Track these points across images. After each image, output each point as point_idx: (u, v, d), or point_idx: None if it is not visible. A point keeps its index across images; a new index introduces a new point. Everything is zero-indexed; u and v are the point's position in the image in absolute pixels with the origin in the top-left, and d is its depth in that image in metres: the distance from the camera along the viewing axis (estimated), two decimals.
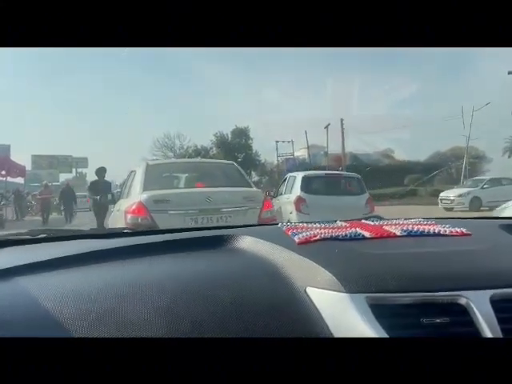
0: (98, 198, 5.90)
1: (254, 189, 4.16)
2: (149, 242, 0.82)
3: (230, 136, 31.47)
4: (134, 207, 3.52)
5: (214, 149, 31.54)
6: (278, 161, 30.80)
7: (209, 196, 3.67)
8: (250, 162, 30.47)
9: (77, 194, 13.54)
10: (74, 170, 35.56)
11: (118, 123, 44.36)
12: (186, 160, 7.03)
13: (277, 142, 29.99)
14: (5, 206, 12.88)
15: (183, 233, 0.91)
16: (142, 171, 3.96)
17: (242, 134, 31.43)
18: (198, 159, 8.29)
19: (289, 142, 30.04)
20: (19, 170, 15.21)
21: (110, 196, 4.90)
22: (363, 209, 5.87)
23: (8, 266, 0.66)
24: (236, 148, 30.87)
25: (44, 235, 0.95)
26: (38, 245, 0.87)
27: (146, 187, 3.74)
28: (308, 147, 28.76)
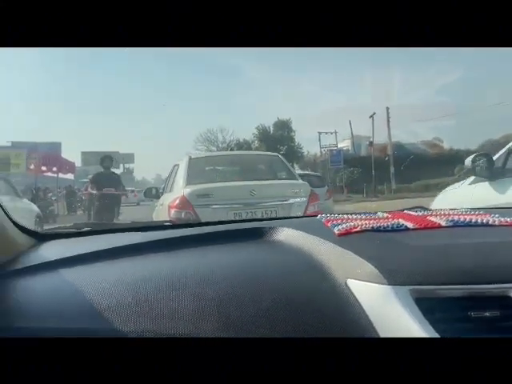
0: (102, 192, 5.21)
1: (300, 181, 3.99)
2: (189, 234, 0.83)
3: (272, 129, 31.40)
4: (177, 202, 3.51)
5: (257, 142, 31.60)
6: (321, 152, 30.25)
7: (253, 189, 3.58)
8: (292, 154, 30.17)
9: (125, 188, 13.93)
10: (121, 165, 37.14)
11: (163, 120, 45.70)
12: (229, 152, 6.87)
13: (319, 133, 29.45)
14: (56, 201, 13.65)
15: (222, 225, 0.91)
16: (185, 165, 3.95)
17: (284, 126, 31.24)
18: (241, 151, 8.14)
19: (332, 132, 29.37)
20: (69, 167, 16.08)
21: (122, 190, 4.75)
22: None
23: (56, 258, 0.69)
24: (278, 140, 30.70)
25: (89, 229, 0.98)
26: (83, 238, 0.89)
27: (189, 181, 3.72)
28: (352, 137, 27.97)
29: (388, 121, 24.36)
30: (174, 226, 1.04)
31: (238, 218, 3.36)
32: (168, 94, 46.54)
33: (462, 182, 2.90)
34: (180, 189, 3.68)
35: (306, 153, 32.16)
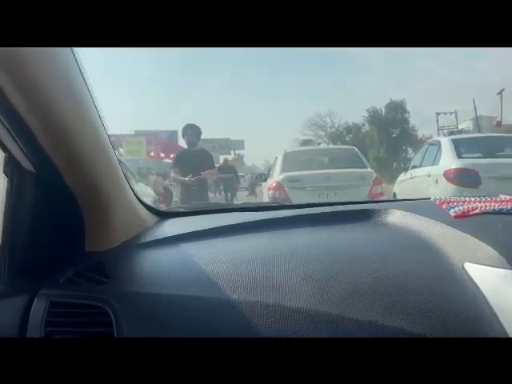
0: (188, 178, 3.82)
1: (368, 169, 5.23)
2: (299, 214, 0.87)
3: (383, 111, 30.83)
4: (274, 184, 5.05)
5: (367, 125, 31.49)
6: (438, 135, 28.90)
7: (330, 176, 4.93)
8: (405, 137, 29.44)
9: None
10: (232, 152, 40.25)
11: (272, 105, 48.16)
12: (316, 147, 8.20)
13: (437, 113, 28.03)
14: (173, 186, 15.83)
15: (328, 207, 0.96)
16: (282, 157, 5.49)
17: (397, 108, 30.44)
18: (325, 146, 9.34)
19: (451, 113, 27.69)
20: None
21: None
22: None
23: (176, 234, 0.78)
24: (390, 123, 30.14)
25: (205, 208, 1.10)
26: (200, 216, 0.99)
27: (283, 169, 5.23)
28: (476, 118, 26.12)
29: None
30: (284, 206, 1.08)
31: (318, 197, 4.75)
32: (278, 80, 48.81)
33: None
34: (277, 175, 5.21)
35: (420, 135, 31.02)
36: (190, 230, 0.78)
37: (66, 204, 0.66)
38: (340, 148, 7.46)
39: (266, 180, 6.22)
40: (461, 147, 4.66)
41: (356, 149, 5.76)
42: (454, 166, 4.30)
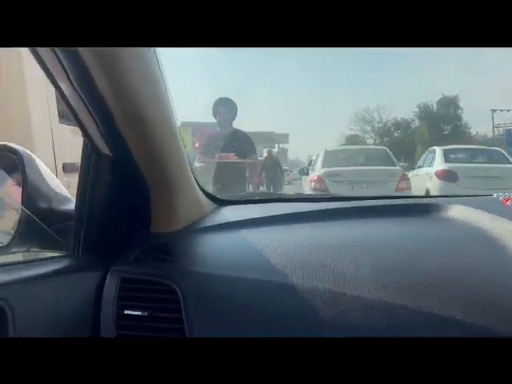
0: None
1: (396, 167, 6.23)
2: (353, 206, 0.89)
3: (435, 106, 30.45)
4: (315, 178, 6.14)
5: (417, 121, 31.25)
6: (493, 132, 28.26)
7: (364, 172, 5.93)
8: (457, 134, 28.95)
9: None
10: (276, 145, 40.93)
11: (317, 99, 48.61)
12: (352, 147, 9.48)
13: (493, 110, 27.51)
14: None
15: (388, 199, 0.97)
16: (323, 154, 6.59)
17: (449, 104, 29.96)
18: (360, 146, 10.56)
19: (508, 110, 27.13)
20: None
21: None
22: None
23: (233, 220, 0.81)
24: (442, 119, 29.76)
25: (257, 197, 1.16)
26: (254, 205, 1.04)
27: (323, 165, 6.31)
28: None
29: None
30: (336, 198, 1.10)
31: (353, 191, 5.76)
32: (323, 76, 49.17)
33: None
34: (318, 170, 6.29)
35: (474, 133, 30.42)
36: (247, 217, 0.81)
37: (137, 188, 0.68)
38: (373, 148, 8.58)
39: (307, 174, 7.30)
40: (448, 155, 6.91)
41: (387, 149, 6.78)
42: (441, 168, 6.50)
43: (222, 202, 0.93)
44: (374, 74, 44.31)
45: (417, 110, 30.73)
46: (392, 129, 31.64)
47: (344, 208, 0.88)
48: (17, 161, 0.67)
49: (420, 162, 7.95)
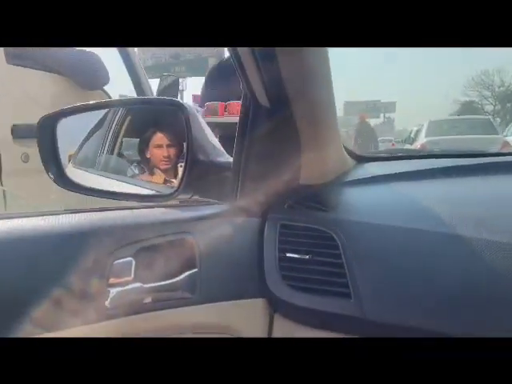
0: None
1: (498, 136, 6.83)
2: (490, 162, 0.88)
3: None
4: (419, 146, 7.13)
5: None
6: None
7: (466, 140, 6.69)
8: None
9: (383, 138, 15.42)
10: (382, 115, 39.60)
11: (428, 62, 45.61)
12: (455, 117, 9.90)
13: None
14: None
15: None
16: (427, 124, 7.60)
17: None
18: (463, 116, 10.85)
19: None
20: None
21: None
22: None
23: (371, 175, 0.82)
24: None
25: (400, 154, 1.15)
26: (391, 162, 1.02)
27: (427, 134, 7.25)
28: None
29: None
30: (469, 154, 1.02)
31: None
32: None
33: None
34: (421, 139, 7.25)
35: None
36: (391, 172, 0.81)
37: (290, 141, 0.70)
38: (476, 118, 9.06)
39: (412, 143, 8.19)
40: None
41: (491, 118, 7.37)
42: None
43: (360, 159, 0.94)
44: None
45: None
46: None
47: (489, 163, 0.87)
48: (181, 115, 0.69)
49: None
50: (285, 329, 0.65)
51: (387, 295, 0.57)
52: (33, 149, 0.75)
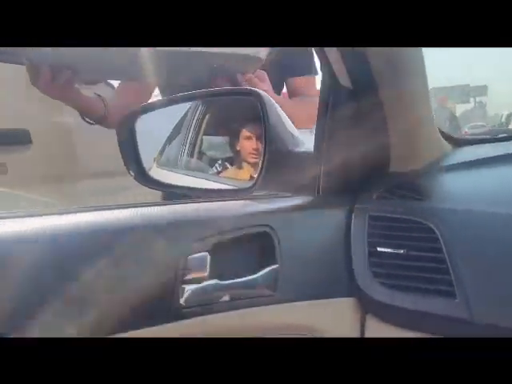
0: None
1: None
2: None
3: None
4: None
5: None
6: None
7: None
8: None
9: (475, 123, 14.34)
10: (472, 99, 36.02)
11: None
12: None
13: None
14: None
15: None
16: None
17: None
18: None
19: None
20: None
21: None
22: None
23: (469, 160, 0.74)
24: None
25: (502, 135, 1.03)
26: (489, 144, 0.94)
27: None
28: None
29: None
30: None
31: None
32: None
33: None
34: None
35: None
36: (492, 155, 0.75)
37: (377, 122, 0.65)
38: None
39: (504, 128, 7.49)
40: None
41: None
42: None
43: (457, 143, 0.87)
44: None
45: None
46: None
47: None
48: (258, 104, 0.66)
49: None
50: (378, 331, 0.59)
51: (495, 294, 0.51)
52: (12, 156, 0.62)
